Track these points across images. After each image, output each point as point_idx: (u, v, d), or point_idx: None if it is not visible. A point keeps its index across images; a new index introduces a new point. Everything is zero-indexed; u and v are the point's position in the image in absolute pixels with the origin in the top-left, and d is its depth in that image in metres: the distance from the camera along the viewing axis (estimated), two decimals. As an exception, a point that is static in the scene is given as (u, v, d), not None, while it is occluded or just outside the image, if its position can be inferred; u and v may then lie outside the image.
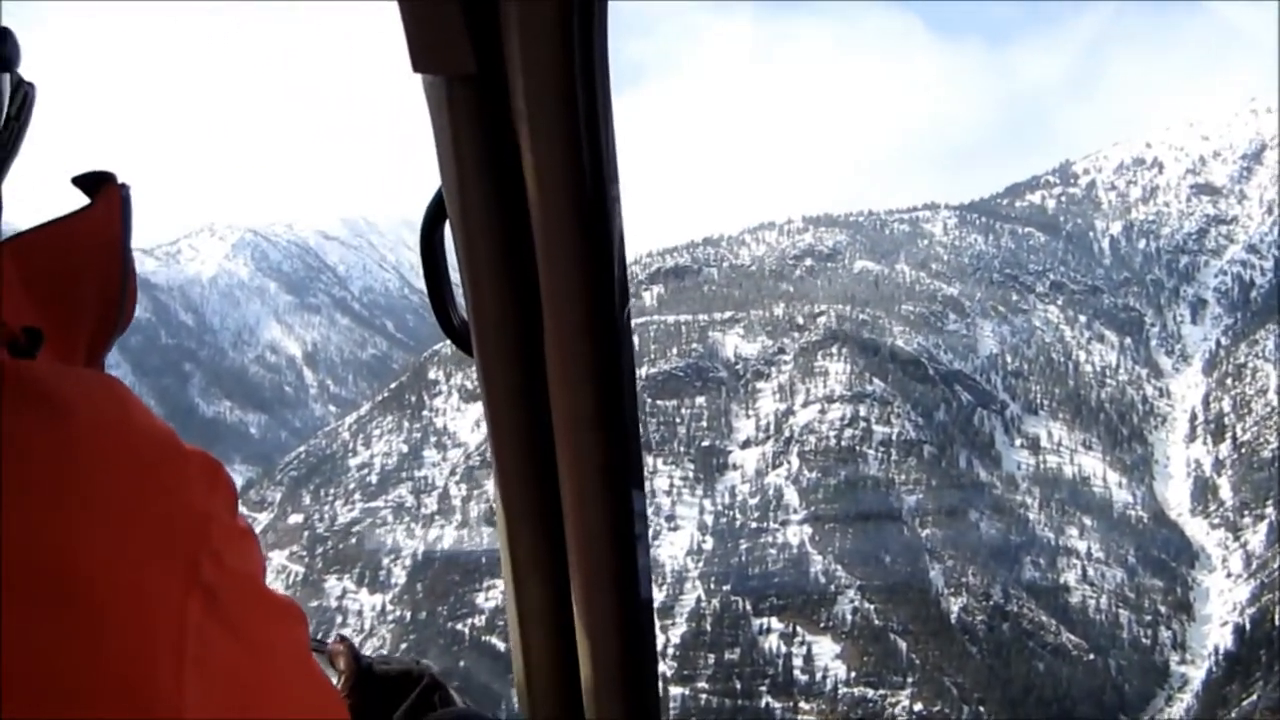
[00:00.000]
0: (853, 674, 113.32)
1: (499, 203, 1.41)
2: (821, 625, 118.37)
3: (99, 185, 0.97)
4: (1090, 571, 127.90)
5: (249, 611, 0.86)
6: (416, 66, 1.34)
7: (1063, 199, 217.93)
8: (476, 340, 1.52)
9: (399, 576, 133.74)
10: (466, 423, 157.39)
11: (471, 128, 1.37)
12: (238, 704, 0.82)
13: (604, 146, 1.35)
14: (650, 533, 1.71)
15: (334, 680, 1.82)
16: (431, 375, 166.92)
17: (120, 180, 0.93)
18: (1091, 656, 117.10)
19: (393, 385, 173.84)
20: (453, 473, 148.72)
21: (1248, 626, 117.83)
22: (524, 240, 1.42)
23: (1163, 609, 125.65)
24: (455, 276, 1.52)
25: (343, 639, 1.92)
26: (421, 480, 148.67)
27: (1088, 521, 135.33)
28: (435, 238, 1.54)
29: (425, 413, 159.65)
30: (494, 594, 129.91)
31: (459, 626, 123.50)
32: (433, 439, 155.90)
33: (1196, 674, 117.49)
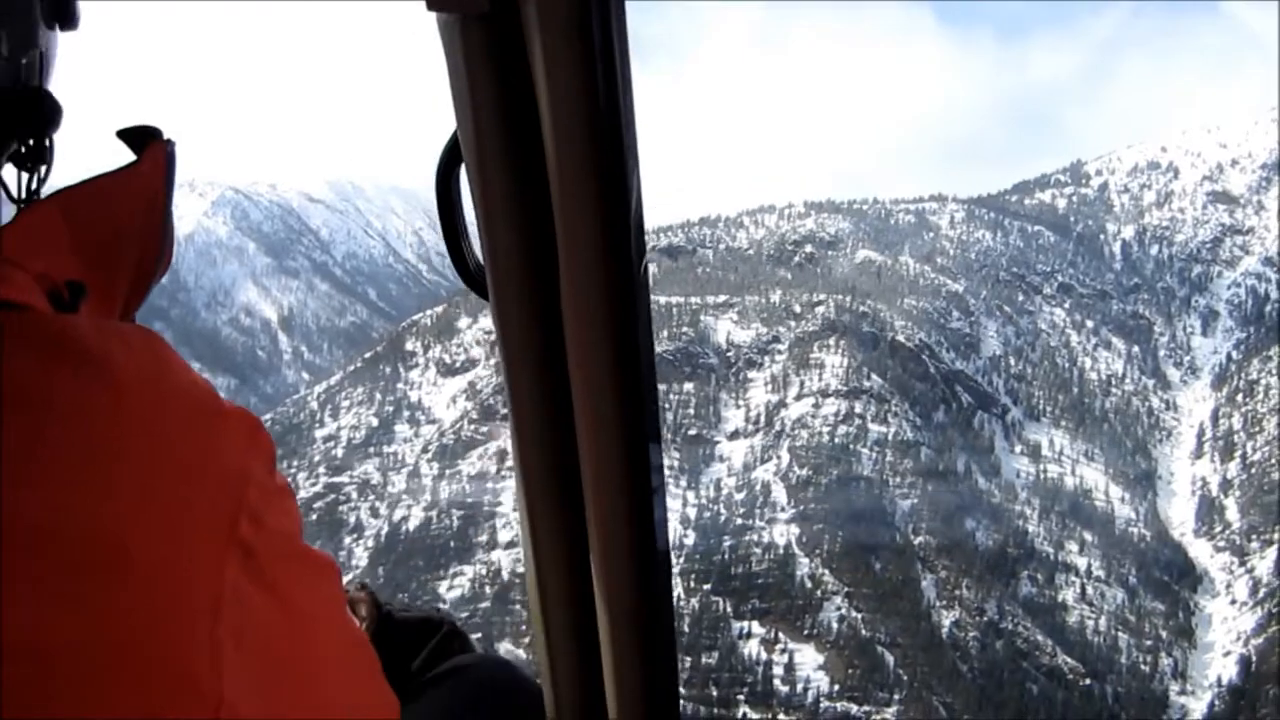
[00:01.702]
0: (836, 687, 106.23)
1: (515, 145, 1.39)
2: (805, 633, 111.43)
3: (144, 141, 0.97)
4: (1089, 590, 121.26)
5: (286, 569, 0.85)
6: (431, 5, 1.33)
7: (1074, 199, 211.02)
8: (492, 285, 1.49)
9: (360, 559, 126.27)
10: (442, 398, 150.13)
11: (486, 68, 1.35)
12: (274, 662, 0.81)
13: (620, 89, 1.33)
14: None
15: None
16: (409, 346, 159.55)
17: (166, 137, 0.93)
18: (1088, 681, 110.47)
19: (367, 355, 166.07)
20: (424, 450, 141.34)
21: (1254, 658, 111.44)
22: (540, 183, 1.39)
23: (1164, 634, 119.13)
24: (471, 220, 1.48)
25: (363, 586, 1.93)
26: (391, 456, 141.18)
27: (1088, 537, 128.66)
28: (451, 181, 1.51)
29: (400, 385, 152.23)
30: (460, 583, 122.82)
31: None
32: (405, 413, 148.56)
33: (1197, 705, 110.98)
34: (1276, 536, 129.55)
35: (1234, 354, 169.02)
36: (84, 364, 0.78)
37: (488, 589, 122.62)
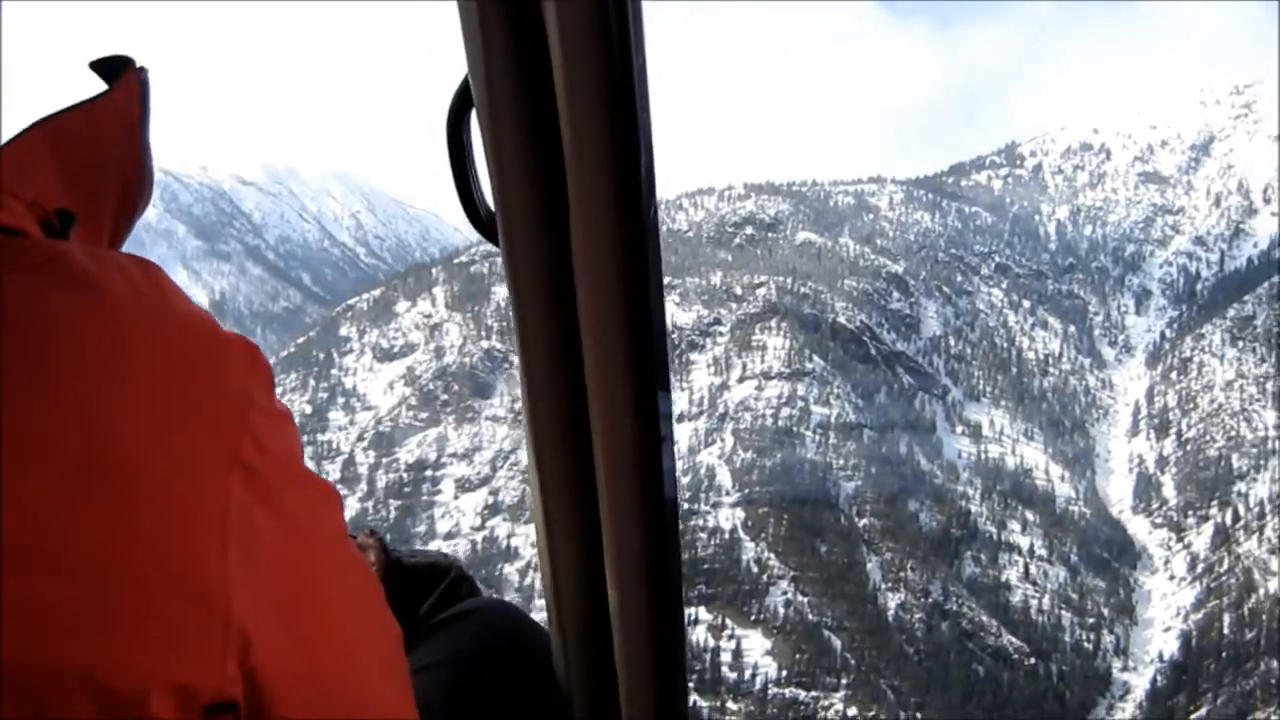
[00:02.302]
0: (784, 673, 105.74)
1: (526, 89, 1.38)
2: (752, 618, 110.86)
3: (118, 71, 0.96)
4: (1032, 569, 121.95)
5: (290, 491, 0.86)
6: None
7: (1009, 180, 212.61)
8: (503, 231, 1.49)
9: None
10: (379, 384, 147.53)
11: (499, 13, 1.34)
12: (281, 580, 0.83)
13: (632, 33, 1.33)
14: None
15: None
16: (343, 331, 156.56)
17: (139, 65, 0.92)
18: (1033, 661, 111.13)
19: (299, 340, 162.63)
20: (360, 438, 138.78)
21: (1194, 633, 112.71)
22: (552, 128, 1.39)
23: (1105, 611, 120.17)
24: (482, 166, 1.48)
25: (372, 531, 1.96)
26: (324, 445, 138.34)
27: (1030, 516, 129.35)
28: (461, 126, 1.51)
29: (334, 371, 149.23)
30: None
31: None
32: (340, 400, 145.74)
33: (1139, 682, 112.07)
34: (1212, 512, 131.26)
35: (1167, 332, 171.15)
36: (83, 288, 0.79)
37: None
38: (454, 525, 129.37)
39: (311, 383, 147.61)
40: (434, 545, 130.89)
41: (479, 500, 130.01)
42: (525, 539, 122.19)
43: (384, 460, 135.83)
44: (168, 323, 0.81)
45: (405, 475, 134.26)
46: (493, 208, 1.50)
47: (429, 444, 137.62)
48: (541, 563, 1.76)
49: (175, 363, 0.79)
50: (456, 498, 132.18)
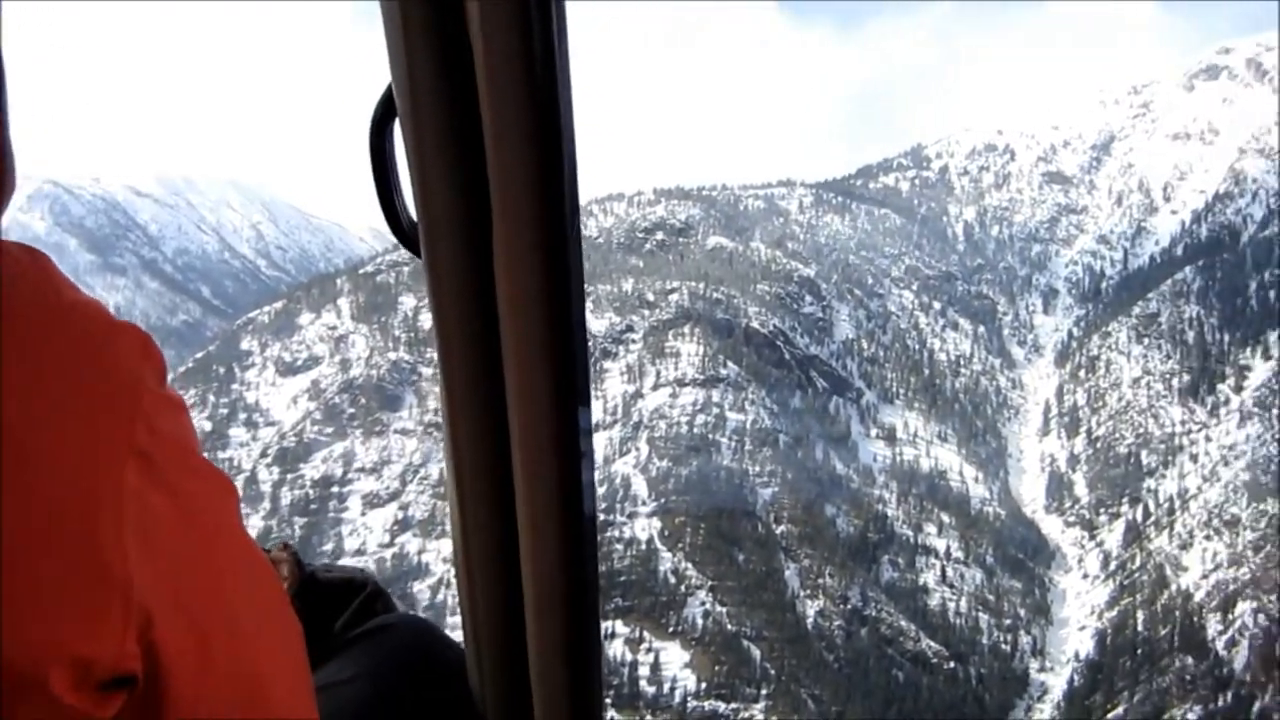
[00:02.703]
0: (703, 685, 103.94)
1: (450, 98, 1.37)
2: (670, 630, 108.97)
3: None
4: (949, 572, 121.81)
5: (186, 479, 0.86)
6: None
7: (916, 182, 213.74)
8: (425, 242, 1.47)
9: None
10: (282, 399, 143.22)
11: (423, 23, 1.33)
12: (179, 565, 0.82)
13: (556, 41, 1.32)
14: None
15: None
16: (245, 345, 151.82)
17: None
18: (952, 664, 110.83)
19: (198, 355, 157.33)
20: (263, 454, 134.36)
21: (1109, 631, 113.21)
22: (475, 139, 1.38)
23: (1022, 612, 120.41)
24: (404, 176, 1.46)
25: (286, 545, 1.93)
26: (226, 463, 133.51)
27: (946, 518, 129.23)
28: (384, 135, 1.49)
29: (235, 386, 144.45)
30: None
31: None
32: (242, 416, 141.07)
33: (1056, 682, 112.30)
34: (1124, 509, 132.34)
35: (1074, 331, 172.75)
36: None
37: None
38: (362, 542, 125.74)
39: (211, 398, 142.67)
40: (342, 563, 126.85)
41: (388, 516, 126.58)
42: (436, 555, 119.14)
43: (288, 477, 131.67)
44: (58, 309, 0.80)
45: (311, 492, 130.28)
46: (415, 218, 1.48)
47: (335, 459, 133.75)
48: (458, 577, 1.74)
49: (67, 349, 0.79)
50: (364, 514, 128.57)
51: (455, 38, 1.32)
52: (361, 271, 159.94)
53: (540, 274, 1.40)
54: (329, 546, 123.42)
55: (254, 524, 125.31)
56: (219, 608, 0.89)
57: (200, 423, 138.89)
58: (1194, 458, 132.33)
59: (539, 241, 1.39)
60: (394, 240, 1.58)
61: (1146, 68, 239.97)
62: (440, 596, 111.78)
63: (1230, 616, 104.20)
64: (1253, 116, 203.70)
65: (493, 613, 1.71)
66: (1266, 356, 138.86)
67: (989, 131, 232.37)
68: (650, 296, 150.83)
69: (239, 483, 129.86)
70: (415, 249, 1.49)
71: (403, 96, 1.38)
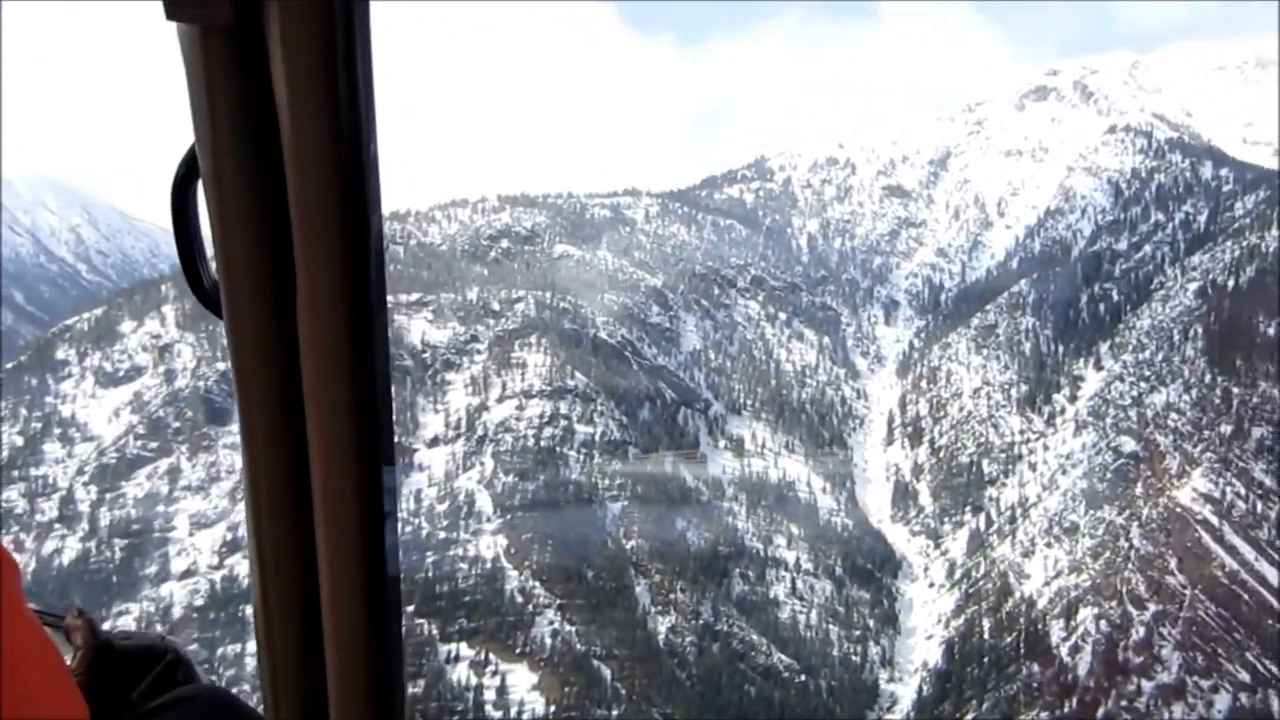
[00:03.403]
0: (552, 707, 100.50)
1: (254, 160, 1.35)
2: (517, 651, 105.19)
3: None
4: (799, 584, 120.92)
5: None
6: (170, 15, 1.28)
7: (760, 194, 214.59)
8: (227, 303, 1.45)
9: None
10: (102, 412, 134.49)
11: (227, 81, 1.30)
12: None
13: (363, 104, 1.30)
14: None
15: (69, 656, 1.75)
16: (60, 355, 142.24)
17: None
18: (803, 678, 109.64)
19: (9, 366, 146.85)
20: (80, 472, 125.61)
21: (956, 640, 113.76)
22: (279, 199, 1.36)
23: (870, 623, 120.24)
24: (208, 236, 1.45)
25: (80, 612, 1.84)
26: (39, 480, 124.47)
27: (795, 530, 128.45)
28: (188, 195, 1.47)
29: (49, 399, 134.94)
30: (125, 623, 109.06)
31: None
32: (56, 430, 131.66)
33: (906, 692, 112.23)
34: (967, 518, 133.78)
35: (915, 342, 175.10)
36: None
37: (158, 627, 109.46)
38: (190, 564, 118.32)
39: (23, 411, 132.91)
40: (167, 589, 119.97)
41: (216, 536, 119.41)
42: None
43: (108, 496, 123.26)
44: None
45: (133, 511, 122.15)
46: (216, 278, 1.47)
47: (160, 476, 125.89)
48: (258, 642, 1.71)
49: None
50: (192, 534, 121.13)
51: (261, 102, 1.29)
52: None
53: (344, 337, 1.39)
54: (153, 570, 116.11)
55: (71, 546, 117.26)
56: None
57: (12, 438, 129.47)
58: (1033, 466, 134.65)
59: (343, 305, 1.37)
60: None
61: (978, 87, 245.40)
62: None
63: (1073, 623, 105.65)
64: (1080, 135, 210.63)
65: (294, 680, 1.66)
66: (1098, 367, 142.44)
67: (830, 145, 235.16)
68: (495, 305, 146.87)
69: (53, 502, 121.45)
70: (217, 310, 1.47)
71: (205, 156, 1.36)
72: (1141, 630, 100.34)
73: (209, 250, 1.43)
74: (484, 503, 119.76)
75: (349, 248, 1.35)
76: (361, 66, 1.29)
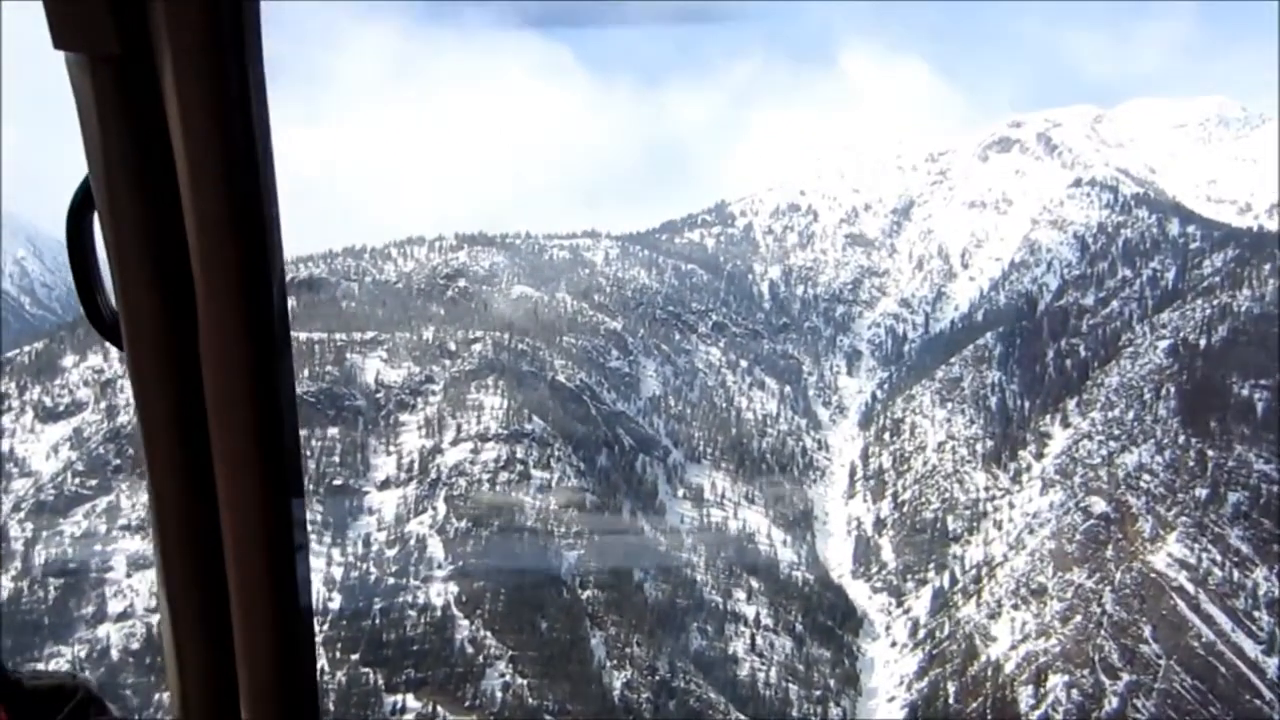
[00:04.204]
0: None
1: (149, 190, 1.34)
2: (467, 704, 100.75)
3: None
4: (759, 640, 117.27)
5: None
6: (57, 43, 1.26)
7: (721, 239, 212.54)
8: (127, 335, 1.44)
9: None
10: (41, 448, 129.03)
11: (118, 110, 1.29)
12: None
13: (257, 131, 1.30)
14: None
15: None
16: (0, 388, 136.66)
17: None
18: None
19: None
20: (17, 508, 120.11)
21: (919, 704, 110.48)
22: (177, 229, 1.35)
23: (831, 682, 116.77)
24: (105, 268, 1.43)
25: None
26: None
27: (754, 583, 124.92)
28: (84, 225, 1.45)
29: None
30: (59, 666, 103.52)
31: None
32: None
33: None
34: (930, 575, 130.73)
35: (878, 393, 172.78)
36: None
37: (91, 671, 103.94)
38: (128, 605, 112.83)
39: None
40: (103, 630, 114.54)
41: (154, 577, 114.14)
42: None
43: (44, 534, 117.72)
44: None
45: (70, 550, 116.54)
46: (116, 310, 1.46)
47: (98, 514, 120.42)
48: (170, 681, 1.68)
49: None
50: (130, 575, 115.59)
51: (153, 131, 1.28)
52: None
53: (247, 369, 1.38)
54: (89, 610, 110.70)
55: (3, 585, 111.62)
56: None
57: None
58: (998, 524, 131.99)
59: (245, 333, 1.36)
60: None
61: (936, 138, 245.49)
62: None
63: (1042, 690, 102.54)
64: (1043, 188, 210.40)
65: (206, 714, 1.64)
66: (1065, 424, 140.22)
67: (792, 191, 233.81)
68: (452, 346, 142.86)
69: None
70: (117, 341, 1.46)
71: (99, 185, 1.34)
72: (1115, 701, 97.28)
73: (107, 280, 1.41)
74: (435, 549, 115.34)
75: (248, 274, 1.34)
76: (255, 92, 1.28)
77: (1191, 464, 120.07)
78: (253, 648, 1.55)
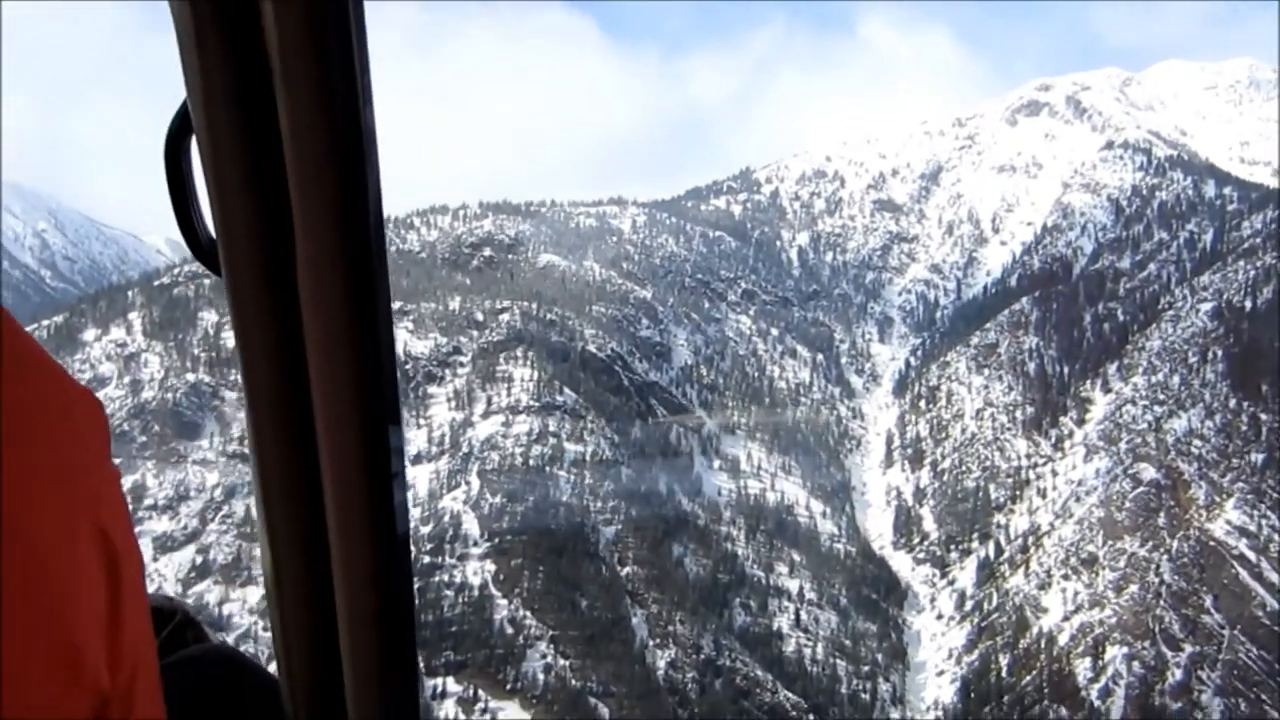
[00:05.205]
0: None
1: (247, 113, 1.35)
2: (508, 687, 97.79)
3: None
4: (804, 615, 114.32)
5: (127, 555, 0.88)
6: None
7: (748, 205, 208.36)
8: (224, 259, 1.45)
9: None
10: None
11: (217, 33, 1.30)
12: (136, 646, 0.88)
13: (356, 61, 1.31)
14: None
15: None
16: None
17: None
18: (811, 717, 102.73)
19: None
20: None
21: (970, 678, 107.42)
22: (275, 153, 1.36)
23: (879, 657, 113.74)
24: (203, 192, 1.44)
25: None
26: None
27: (796, 557, 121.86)
28: (181, 150, 1.47)
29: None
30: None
31: None
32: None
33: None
34: (974, 545, 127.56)
35: (912, 360, 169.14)
36: None
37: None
38: (155, 589, 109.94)
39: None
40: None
41: (184, 560, 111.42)
42: (241, 604, 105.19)
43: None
44: (25, 367, 0.76)
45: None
46: (213, 234, 1.46)
47: (124, 489, 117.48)
48: (270, 604, 1.70)
49: (35, 415, 0.76)
50: (157, 558, 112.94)
51: (251, 51, 1.29)
52: (156, 283, 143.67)
53: (345, 292, 1.38)
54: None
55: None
56: (151, 685, 0.92)
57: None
58: (1042, 493, 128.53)
59: (343, 259, 1.37)
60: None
61: (963, 103, 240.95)
62: (244, 649, 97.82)
63: (1100, 662, 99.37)
64: (1074, 151, 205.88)
65: (305, 639, 1.66)
66: (1106, 389, 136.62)
67: (818, 158, 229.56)
68: (479, 316, 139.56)
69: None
70: (215, 267, 1.47)
71: (198, 110, 1.35)
72: (1178, 673, 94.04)
73: (205, 205, 1.42)
74: (470, 525, 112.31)
75: (347, 193, 1.35)
76: (354, 16, 1.29)
77: (1244, 428, 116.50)
78: (350, 573, 1.56)
